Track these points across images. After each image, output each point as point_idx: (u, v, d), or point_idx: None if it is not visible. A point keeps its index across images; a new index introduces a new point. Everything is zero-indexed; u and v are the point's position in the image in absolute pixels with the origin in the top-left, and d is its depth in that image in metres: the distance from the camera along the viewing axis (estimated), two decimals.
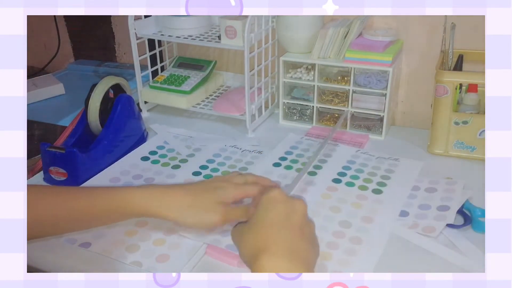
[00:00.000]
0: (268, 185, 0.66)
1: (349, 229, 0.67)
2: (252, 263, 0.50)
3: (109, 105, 0.85)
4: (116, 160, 0.85)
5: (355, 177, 0.79)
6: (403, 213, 0.70)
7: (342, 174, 0.80)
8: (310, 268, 0.51)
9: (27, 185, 0.48)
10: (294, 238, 0.51)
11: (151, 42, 1.04)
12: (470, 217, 0.68)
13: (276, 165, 0.83)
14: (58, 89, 1.15)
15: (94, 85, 0.84)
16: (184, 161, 0.86)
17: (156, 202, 0.60)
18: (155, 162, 0.86)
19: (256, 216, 0.54)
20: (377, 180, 0.78)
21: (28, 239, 0.49)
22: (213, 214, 0.60)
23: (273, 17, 0.95)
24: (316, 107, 0.96)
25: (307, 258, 0.51)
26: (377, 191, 0.75)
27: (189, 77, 1.04)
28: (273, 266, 0.48)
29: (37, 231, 0.58)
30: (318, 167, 0.82)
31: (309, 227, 0.54)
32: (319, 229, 0.63)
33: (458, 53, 0.86)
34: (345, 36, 0.90)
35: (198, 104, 1.03)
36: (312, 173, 0.80)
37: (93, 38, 1.32)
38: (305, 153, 0.87)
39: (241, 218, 0.60)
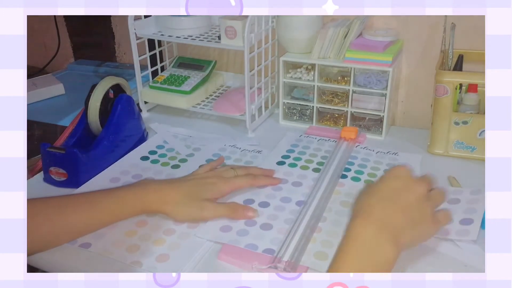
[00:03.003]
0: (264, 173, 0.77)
1: None
2: (349, 222, 0.52)
3: (109, 105, 0.85)
4: (116, 161, 0.85)
5: (359, 172, 0.81)
6: None
7: (347, 170, 0.81)
8: (397, 246, 0.50)
9: (28, 200, 0.49)
10: (394, 213, 0.51)
11: (151, 42, 1.04)
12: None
13: (280, 163, 0.84)
14: (58, 89, 1.15)
15: (94, 85, 0.84)
16: (183, 160, 0.86)
17: (152, 197, 0.66)
18: (154, 161, 0.86)
19: (375, 183, 0.56)
20: (380, 174, 0.80)
21: (28, 254, 0.50)
22: (202, 211, 0.66)
23: (273, 17, 0.95)
24: (316, 107, 0.96)
25: (399, 236, 0.50)
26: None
27: (189, 77, 1.03)
28: (361, 230, 0.50)
29: (37, 248, 0.60)
30: (321, 163, 0.83)
31: (420, 211, 0.53)
32: (334, 224, 0.67)
33: (458, 53, 0.86)
34: (345, 36, 0.90)
35: (198, 104, 1.03)
36: (316, 170, 0.81)
37: (93, 38, 1.32)
38: (306, 150, 0.88)
39: (228, 216, 0.67)
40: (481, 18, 0.52)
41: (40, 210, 0.60)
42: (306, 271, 0.59)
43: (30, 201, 0.53)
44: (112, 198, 0.65)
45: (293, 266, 0.59)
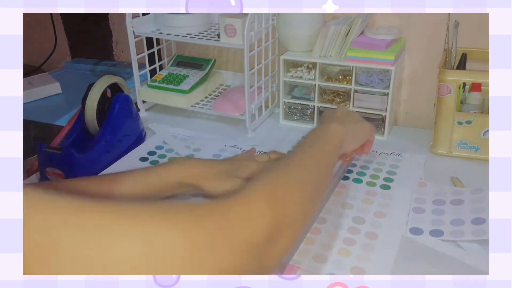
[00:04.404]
0: None
1: (364, 225, 0.67)
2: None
3: (106, 104, 0.83)
4: (114, 161, 0.84)
5: (361, 174, 0.80)
6: (436, 233, 0.65)
7: (349, 171, 0.80)
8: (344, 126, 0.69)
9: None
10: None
11: (149, 41, 1.03)
12: None
13: None
14: (54, 88, 1.14)
15: (91, 84, 0.83)
16: None
17: (190, 172, 0.67)
18: (153, 162, 0.84)
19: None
20: (383, 176, 0.79)
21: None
22: (235, 187, 0.63)
23: (274, 15, 0.93)
24: (317, 106, 0.95)
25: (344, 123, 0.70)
26: (385, 187, 0.76)
27: (188, 76, 1.02)
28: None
29: None
30: None
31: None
32: (334, 227, 0.67)
33: (461, 52, 0.85)
34: (347, 35, 0.88)
35: (197, 103, 1.01)
36: None
37: (90, 36, 1.30)
38: None
39: None
40: (485, 16, 0.51)
41: (90, 185, 0.60)
42: (296, 272, 0.58)
43: (80, 179, 0.56)
44: (153, 174, 0.67)
45: (283, 266, 0.58)
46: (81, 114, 0.83)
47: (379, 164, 0.82)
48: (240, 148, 0.88)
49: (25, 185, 0.34)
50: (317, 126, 0.71)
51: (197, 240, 0.36)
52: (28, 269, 0.32)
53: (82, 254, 0.32)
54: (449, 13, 0.81)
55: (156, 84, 1.01)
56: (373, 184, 0.76)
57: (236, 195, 0.43)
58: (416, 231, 0.65)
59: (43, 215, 0.33)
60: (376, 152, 0.86)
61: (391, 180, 0.78)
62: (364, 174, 0.79)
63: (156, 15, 0.97)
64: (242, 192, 0.44)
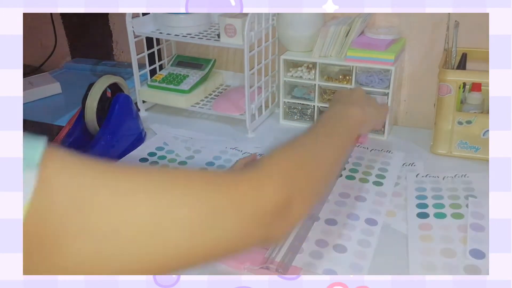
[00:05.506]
0: None
1: (358, 221, 0.68)
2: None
3: (106, 104, 0.83)
4: (114, 161, 0.84)
5: (354, 171, 0.80)
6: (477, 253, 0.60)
7: (354, 170, 0.81)
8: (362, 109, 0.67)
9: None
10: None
11: (149, 41, 1.03)
12: None
13: None
14: (54, 88, 1.13)
15: (91, 84, 0.83)
16: (183, 163, 0.84)
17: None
18: (154, 163, 0.84)
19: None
20: (376, 173, 0.80)
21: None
22: None
23: (274, 15, 0.93)
24: (317, 106, 0.95)
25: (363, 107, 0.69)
26: (377, 183, 0.77)
27: (188, 76, 1.02)
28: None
29: None
30: None
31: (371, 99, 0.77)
32: (328, 223, 0.67)
33: (461, 52, 0.85)
34: (347, 35, 0.88)
35: (197, 103, 1.01)
36: None
37: (90, 36, 1.30)
38: None
39: None
40: (485, 16, 0.51)
41: None
42: (299, 273, 0.58)
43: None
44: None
45: (285, 267, 0.58)
46: (81, 114, 0.83)
47: (383, 163, 0.83)
48: (241, 151, 0.88)
49: (49, 145, 0.33)
50: (334, 108, 0.67)
51: (208, 206, 0.37)
52: (49, 227, 0.31)
53: (107, 215, 0.32)
54: (449, 13, 0.81)
55: (156, 84, 1.01)
56: (366, 181, 0.77)
57: (249, 168, 0.44)
58: None
59: (69, 176, 0.33)
60: (368, 149, 0.87)
61: (383, 177, 0.78)
62: (356, 171, 0.80)
63: (156, 15, 0.97)
64: (256, 166, 0.44)
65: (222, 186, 0.39)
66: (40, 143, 0.33)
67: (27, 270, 0.32)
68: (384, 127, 0.90)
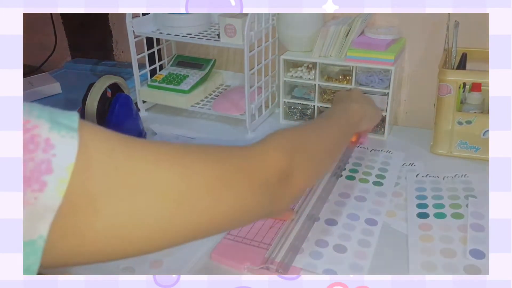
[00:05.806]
0: None
1: (358, 221, 0.68)
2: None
3: (106, 104, 0.83)
4: None
5: (354, 171, 0.80)
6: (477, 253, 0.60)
7: (354, 171, 0.81)
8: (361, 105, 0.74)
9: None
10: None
11: (150, 41, 1.03)
12: None
13: None
14: (54, 88, 1.13)
15: (91, 84, 0.83)
16: None
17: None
18: None
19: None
20: (375, 173, 0.80)
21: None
22: None
23: (274, 15, 0.93)
24: (317, 106, 0.95)
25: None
26: (377, 183, 0.77)
27: (188, 76, 1.02)
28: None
29: None
30: None
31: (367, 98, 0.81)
32: (328, 223, 0.67)
33: (461, 52, 0.85)
34: (347, 35, 0.88)
35: (197, 103, 1.01)
36: None
37: (90, 36, 1.30)
38: None
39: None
40: (485, 16, 0.51)
41: None
42: (299, 273, 0.58)
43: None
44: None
45: (285, 267, 0.58)
46: (81, 114, 0.83)
47: (383, 163, 0.83)
48: None
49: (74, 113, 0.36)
50: (334, 106, 0.74)
51: (221, 174, 0.41)
52: (87, 187, 0.33)
53: (126, 180, 0.34)
54: (449, 13, 0.81)
55: (156, 84, 1.01)
56: (366, 181, 0.78)
57: (258, 142, 0.50)
58: None
59: (100, 141, 0.35)
60: (368, 148, 0.88)
61: (383, 177, 0.79)
62: (357, 171, 0.80)
63: (156, 15, 0.97)
64: (264, 141, 0.51)
65: (234, 158, 0.44)
66: (74, 114, 0.36)
67: (55, 236, 0.34)
68: (384, 127, 0.91)
